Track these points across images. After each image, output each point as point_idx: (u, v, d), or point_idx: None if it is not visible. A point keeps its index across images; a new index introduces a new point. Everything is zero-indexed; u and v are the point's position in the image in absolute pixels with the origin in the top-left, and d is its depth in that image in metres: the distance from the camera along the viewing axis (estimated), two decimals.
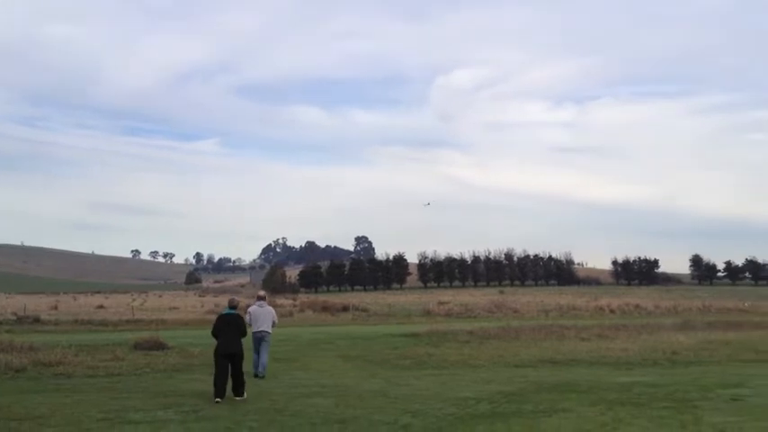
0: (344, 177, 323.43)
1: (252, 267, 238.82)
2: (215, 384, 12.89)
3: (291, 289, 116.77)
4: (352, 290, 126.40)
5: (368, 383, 15.96)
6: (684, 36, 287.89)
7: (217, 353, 13.21)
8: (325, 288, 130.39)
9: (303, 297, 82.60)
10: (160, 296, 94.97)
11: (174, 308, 59.71)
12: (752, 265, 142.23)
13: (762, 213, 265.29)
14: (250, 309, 17.46)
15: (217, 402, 12.56)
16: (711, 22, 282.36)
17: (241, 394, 13.12)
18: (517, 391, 14.09)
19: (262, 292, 18.20)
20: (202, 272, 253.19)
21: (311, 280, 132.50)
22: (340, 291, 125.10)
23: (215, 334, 13.47)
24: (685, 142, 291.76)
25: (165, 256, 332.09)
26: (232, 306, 14.06)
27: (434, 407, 12.05)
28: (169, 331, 31.25)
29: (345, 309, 55.73)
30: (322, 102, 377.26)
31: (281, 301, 67.77)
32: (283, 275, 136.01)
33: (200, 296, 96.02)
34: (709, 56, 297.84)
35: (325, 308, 55.79)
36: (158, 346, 22.44)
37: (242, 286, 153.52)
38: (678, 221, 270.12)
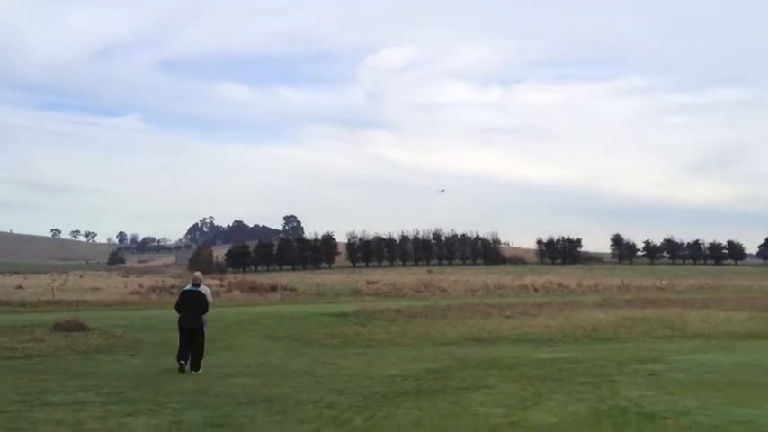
0: (272, 156, 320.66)
1: (178, 247, 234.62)
2: (178, 356, 14.07)
3: (219, 269, 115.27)
4: (281, 270, 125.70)
5: (294, 363, 15.94)
6: (605, 20, 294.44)
7: (179, 326, 14.30)
8: (253, 268, 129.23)
9: (230, 277, 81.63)
10: (81, 276, 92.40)
11: (96, 288, 58.20)
12: (669, 244, 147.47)
13: (679, 194, 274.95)
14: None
15: (181, 364, 13.92)
16: (631, 6, 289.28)
17: (197, 367, 14.07)
18: (442, 369, 14.29)
19: (197, 273, 17.75)
20: (126, 252, 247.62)
21: (239, 260, 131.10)
22: (268, 270, 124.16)
23: (178, 309, 14.42)
24: (607, 125, 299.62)
25: (87, 235, 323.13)
26: (195, 284, 14.80)
27: (361, 385, 12.12)
28: (91, 312, 30.48)
29: (274, 288, 55.38)
30: (248, 79, 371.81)
31: (207, 281, 66.77)
32: (210, 255, 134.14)
33: (123, 276, 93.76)
34: (629, 40, 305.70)
35: (253, 288, 55.31)
36: (79, 327, 21.87)
37: (167, 266, 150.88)
38: (600, 202, 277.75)
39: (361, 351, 18.51)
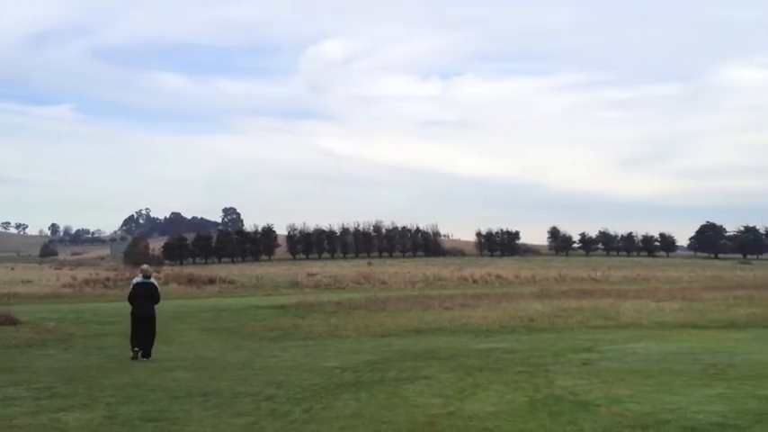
0: (212, 147, 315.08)
1: (113, 239, 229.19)
2: (131, 341, 14.99)
3: (155, 261, 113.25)
4: (220, 262, 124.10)
5: (232, 356, 15.80)
6: (542, 15, 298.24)
7: (133, 316, 15.13)
8: (191, 261, 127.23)
9: (168, 270, 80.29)
10: (12, 269, 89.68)
11: (28, 281, 56.63)
12: (604, 236, 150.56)
13: (614, 188, 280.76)
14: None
15: (135, 351, 14.80)
16: (567, 1, 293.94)
17: (148, 355, 14.89)
18: (381, 360, 14.34)
19: (145, 266, 17.69)
20: (59, 244, 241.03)
21: (176, 252, 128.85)
22: (207, 263, 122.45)
23: (131, 300, 15.29)
24: (545, 118, 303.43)
25: (18, 227, 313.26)
26: (146, 276, 15.62)
27: (299, 377, 12.08)
28: (22, 305, 29.65)
29: (212, 281, 54.73)
30: (186, 69, 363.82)
31: None
32: (146, 247, 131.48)
33: (56, 269, 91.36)
34: (565, 35, 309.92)
35: (191, 280, 54.56)
36: (10, 320, 21.31)
37: (101, 259, 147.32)
38: (538, 195, 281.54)
39: (300, 343, 18.44)
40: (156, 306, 15.45)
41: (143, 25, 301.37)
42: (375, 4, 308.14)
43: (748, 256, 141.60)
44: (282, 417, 8.92)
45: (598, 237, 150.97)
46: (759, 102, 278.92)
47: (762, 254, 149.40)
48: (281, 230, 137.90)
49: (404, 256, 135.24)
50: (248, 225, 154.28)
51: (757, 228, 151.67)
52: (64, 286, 49.07)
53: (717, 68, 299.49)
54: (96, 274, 64.99)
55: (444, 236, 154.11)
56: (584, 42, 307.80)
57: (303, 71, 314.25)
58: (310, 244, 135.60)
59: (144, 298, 15.21)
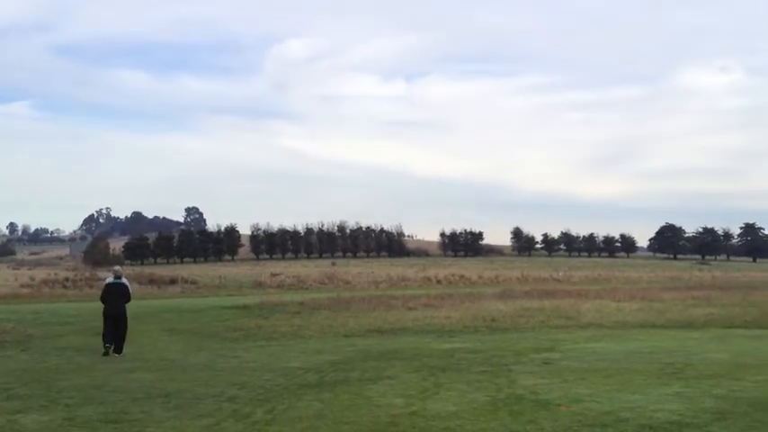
0: (174, 146, 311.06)
1: (72, 239, 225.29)
2: (103, 338, 15.84)
3: (116, 261, 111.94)
4: (182, 262, 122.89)
5: (194, 357, 15.67)
6: (506, 17, 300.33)
7: (105, 314, 16.07)
8: (152, 261, 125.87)
9: (129, 270, 79.27)
10: None
11: None
12: (566, 237, 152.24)
13: (576, 189, 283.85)
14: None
15: (106, 347, 15.56)
16: (533, 3, 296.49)
17: (120, 351, 15.77)
18: (345, 360, 14.33)
19: (117, 267, 18.17)
20: (17, 243, 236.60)
21: (137, 252, 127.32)
22: (168, 263, 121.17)
23: (103, 300, 16.30)
24: (508, 120, 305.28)
25: None
26: (117, 276, 16.67)
27: (262, 378, 12.02)
28: None
29: (173, 281, 54.19)
30: (149, 66, 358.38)
31: (103, 274, 64.65)
32: (107, 247, 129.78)
33: (14, 269, 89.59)
34: (529, 36, 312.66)
35: (152, 280, 53.96)
36: None
37: (61, 258, 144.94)
38: (502, 196, 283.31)
39: (263, 344, 18.35)
40: (126, 305, 16.38)
41: (105, 22, 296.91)
42: (339, 3, 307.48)
43: (706, 257, 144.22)
44: (244, 418, 8.87)
45: (560, 237, 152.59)
46: (717, 105, 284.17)
47: (719, 255, 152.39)
48: (244, 230, 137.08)
49: (368, 257, 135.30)
50: (211, 225, 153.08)
51: (715, 229, 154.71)
52: (22, 286, 48.12)
53: (677, 72, 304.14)
54: (55, 274, 63.82)
55: (408, 236, 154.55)
56: (547, 45, 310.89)
57: (267, 70, 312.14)
58: (274, 244, 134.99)
59: (115, 297, 16.16)
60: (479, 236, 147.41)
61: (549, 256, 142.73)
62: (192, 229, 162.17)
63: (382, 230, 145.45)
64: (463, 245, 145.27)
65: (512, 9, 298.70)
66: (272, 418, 8.80)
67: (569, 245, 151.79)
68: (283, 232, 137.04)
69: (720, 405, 9.15)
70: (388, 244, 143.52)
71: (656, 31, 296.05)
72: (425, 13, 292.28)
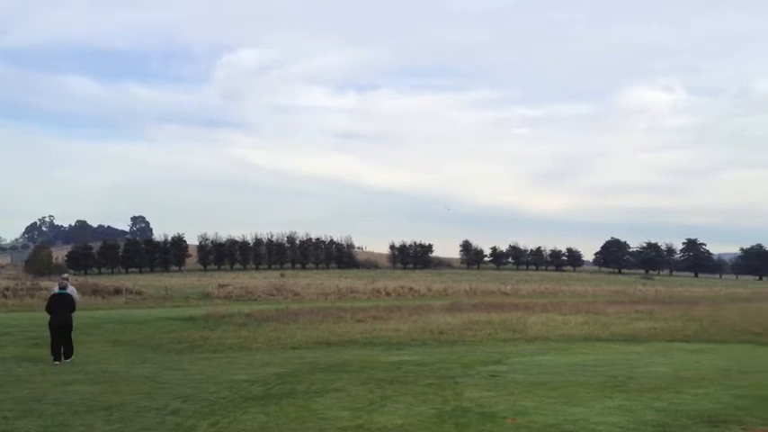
0: (120, 154, 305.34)
1: (14, 247, 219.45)
2: (52, 351, 16.24)
3: (58, 270, 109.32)
4: (127, 272, 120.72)
5: (137, 369, 15.37)
6: (458, 31, 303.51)
7: (51, 325, 16.37)
8: (96, 270, 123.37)
9: (72, 279, 77.61)
10: None
11: None
12: (514, 250, 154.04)
13: (525, 203, 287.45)
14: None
15: (55, 365, 15.78)
16: (484, 19, 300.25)
17: (69, 356, 16.40)
18: (292, 373, 14.23)
19: (66, 275, 18.96)
20: None
21: (81, 261, 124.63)
22: (113, 273, 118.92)
23: (48, 310, 16.62)
24: (459, 134, 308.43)
25: None
26: (62, 287, 17.10)
27: (207, 391, 11.86)
28: None
29: (118, 291, 53.09)
30: (96, 73, 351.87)
31: (45, 283, 63.13)
32: (49, 256, 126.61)
33: None
34: (480, 52, 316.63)
35: (96, 290, 52.74)
36: None
37: (1, 267, 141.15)
38: (451, 208, 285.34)
39: (208, 356, 18.11)
40: (72, 314, 16.85)
41: (52, 27, 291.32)
42: (291, 14, 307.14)
43: (650, 272, 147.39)
44: (188, 431, 8.74)
45: (508, 251, 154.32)
46: (662, 123, 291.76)
47: (663, 270, 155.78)
48: (192, 240, 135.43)
49: (317, 268, 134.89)
50: (158, 234, 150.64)
51: (659, 245, 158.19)
52: None
53: (623, 90, 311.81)
54: None
55: (358, 248, 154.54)
56: (498, 60, 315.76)
57: (217, 79, 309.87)
58: (222, 254, 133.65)
59: (60, 306, 16.55)
60: (429, 248, 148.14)
61: (498, 269, 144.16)
62: (137, 238, 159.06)
63: (332, 242, 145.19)
64: (413, 257, 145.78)
65: (463, 24, 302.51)
66: None
67: (517, 258, 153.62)
68: (232, 243, 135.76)
69: (661, 418, 9.33)
70: (337, 255, 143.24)
71: (604, 49, 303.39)
72: (377, 26, 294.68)
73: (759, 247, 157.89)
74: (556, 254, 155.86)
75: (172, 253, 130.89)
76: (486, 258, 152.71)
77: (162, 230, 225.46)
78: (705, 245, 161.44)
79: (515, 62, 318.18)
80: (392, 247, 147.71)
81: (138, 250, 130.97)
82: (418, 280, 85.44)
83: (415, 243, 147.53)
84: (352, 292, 60.34)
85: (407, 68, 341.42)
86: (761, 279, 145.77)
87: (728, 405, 10.23)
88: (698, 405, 10.27)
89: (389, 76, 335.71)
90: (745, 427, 8.72)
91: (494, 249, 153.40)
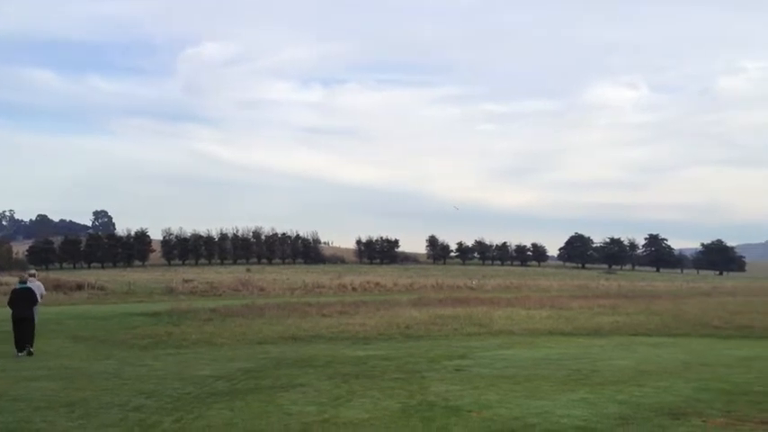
0: (82, 147, 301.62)
1: None
2: (16, 344, 16.65)
3: (19, 266, 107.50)
4: (89, 267, 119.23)
5: (100, 365, 15.17)
6: (425, 28, 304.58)
7: (13, 319, 16.72)
8: (58, 265, 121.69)
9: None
10: None
11: None
12: (480, 245, 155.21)
13: (490, 199, 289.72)
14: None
15: (19, 356, 16.30)
16: (450, 17, 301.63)
17: (31, 347, 16.73)
18: (257, 368, 14.16)
19: (32, 270, 19.97)
20: None
21: (42, 256, 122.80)
22: (75, 268, 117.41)
23: (10, 304, 16.90)
24: (425, 130, 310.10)
25: None
26: (22, 281, 17.67)
27: (171, 386, 11.75)
28: None
29: (80, 287, 52.39)
30: (57, 65, 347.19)
31: (5, 278, 62.06)
32: (9, 251, 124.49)
33: None
34: (446, 49, 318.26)
35: (57, 286, 51.89)
36: None
37: None
38: (418, 204, 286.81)
39: (173, 352, 17.93)
40: (35, 308, 17.30)
41: (11, 17, 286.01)
42: (256, 7, 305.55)
43: (613, 267, 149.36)
44: (151, 428, 8.66)
45: (474, 246, 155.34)
46: (624, 120, 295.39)
47: (625, 265, 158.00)
48: (155, 235, 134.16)
49: (283, 263, 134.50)
50: (121, 229, 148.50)
51: (622, 240, 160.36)
52: None
53: (586, 87, 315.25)
54: None
55: (325, 243, 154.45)
56: (463, 57, 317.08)
57: (181, 72, 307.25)
58: (187, 249, 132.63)
59: (22, 301, 16.87)
60: (395, 244, 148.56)
61: (464, 264, 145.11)
62: (100, 233, 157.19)
63: (298, 237, 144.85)
64: (379, 252, 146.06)
65: (429, 21, 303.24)
66: (180, 428, 8.62)
67: (483, 253, 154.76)
68: (197, 238, 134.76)
69: (623, 410, 9.45)
70: (304, 251, 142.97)
71: (569, 47, 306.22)
72: (343, 21, 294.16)
73: (719, 242, 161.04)
74: (521, 249, 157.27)
75: (135, 248, 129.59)
76: (452, 254, 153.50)
77: (125, 225, 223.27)
78: (666, 240, 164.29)
79: (481, 59, 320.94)
80: (359, 242, 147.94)
81: (100, 245, 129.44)
82: (385, 275, 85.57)
83: (381, 238, 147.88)
84: (318, 287, 60.17)
85: (373, 64, 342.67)
86: (721, 274, 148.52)
87: (689, 398, 10.40)
88: (659, 398, 10.42)
89: (355, 71, 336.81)
90: (705, 419, 8.87)
91: (460, 245, 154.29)
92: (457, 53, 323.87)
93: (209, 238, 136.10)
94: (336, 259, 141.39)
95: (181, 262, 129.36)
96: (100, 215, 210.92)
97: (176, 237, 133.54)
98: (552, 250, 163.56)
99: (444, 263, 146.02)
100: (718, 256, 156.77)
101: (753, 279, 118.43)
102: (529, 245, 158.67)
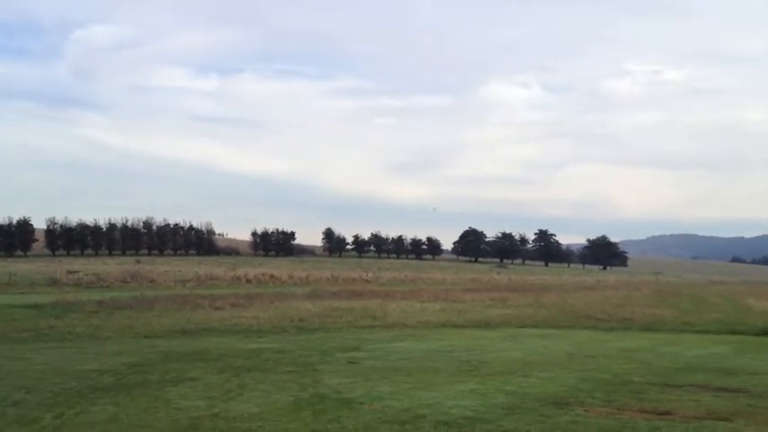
0: None
1: None
2: None
3: None
4: None
5: None
6: (322, 19, 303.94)
7: None
8: None
9: None
10: None
11: None
12: (376, 239, 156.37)
13: (387, 192, 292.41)
14: None
15: None
16: (348, 10, 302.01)
17: None
18: (145, 362, 13.77)
19: None
20: None
21: None
22: None
23: None
24: (322, 122, 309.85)
25: None
26: None
27: (52, 381, 11.26)
28: None
29: None
30: None
31: None
32: None
33: None
34: (345, 42, 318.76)
35: None
36: None
37: None
38: (314, 196, 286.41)
39: (56, 345, 17.21)
40: None
41: None
42: None
43: (504, 261, 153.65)
44: (30, 423, 8.29)
45: (370, 239, 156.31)
46: (518, 118, 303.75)
47: (516, 259, 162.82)
48: (39, 224, 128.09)
49: (176, 255, 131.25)
50: (1, 217, 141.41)
51: (513, 235, 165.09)
52: None
53: (481, 85, 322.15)
54: None
55: (219, 234, 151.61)
56: (362, 51, 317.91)
57: (69, 55, 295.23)
58: (72, 239, 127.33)
59: None
60: (291, 236, 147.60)
61: (360, 257, 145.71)
62: None
63: (191, 228, 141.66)
64: (275, 244, 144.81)
65: (326, 12, 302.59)
66: (62, 424, 8.28)
67: (379, 246, 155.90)
68: (83, 227, 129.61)
69: (511, 400, 9.72)
70: (197, 242, 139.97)
71: (464, 45, 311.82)
72: (239, 8, 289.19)
73: (603, 238, 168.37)
74: (416, 243, 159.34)
75: (17, 237, 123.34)
76: (348, 246, 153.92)
77: (6, 213, 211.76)
78: (555, 235, 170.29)
79: (379, 53, 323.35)
80: (254, 234, 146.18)
81: None
82: (280, 267, 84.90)
83: (277, 230, 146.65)
84: (211, 279, 59.06)
85: (271, 54, 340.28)
86: (605, 268, 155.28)
87: (572, 387, 10.81)
88: (545, 388, 10.78)
89: (252, 60, 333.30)
90: (587, 408, 9.24)
91: (356, 237, 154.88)
92: (356, 47, 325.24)
93: (96, 228, 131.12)
94: (231, 251, 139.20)
95: (66, 252, 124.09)
96: None
97: (61, 226, 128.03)
98: (447, 244, 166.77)
99: (340, 256, 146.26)
100: (603, 252, 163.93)
101: (634, 274, 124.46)
102: (424, 239, 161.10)
